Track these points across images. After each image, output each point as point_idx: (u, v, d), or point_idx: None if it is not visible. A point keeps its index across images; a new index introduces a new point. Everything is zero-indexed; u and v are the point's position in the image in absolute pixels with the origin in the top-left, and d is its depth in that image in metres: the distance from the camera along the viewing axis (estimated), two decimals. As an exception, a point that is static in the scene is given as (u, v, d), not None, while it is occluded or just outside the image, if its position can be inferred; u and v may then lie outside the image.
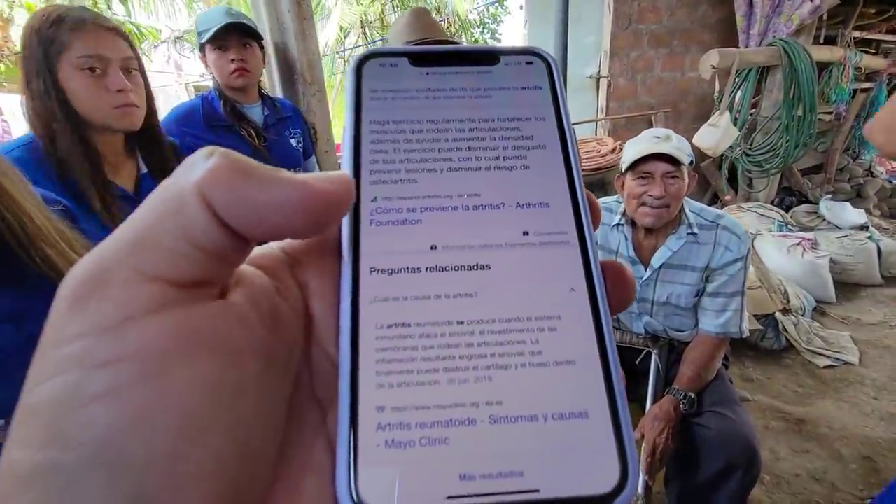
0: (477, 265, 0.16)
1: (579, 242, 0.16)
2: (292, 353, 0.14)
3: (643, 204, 1.19)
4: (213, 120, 1.36)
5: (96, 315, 0.11)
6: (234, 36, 1.34)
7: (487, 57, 0.19)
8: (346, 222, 0.16)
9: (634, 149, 1.21)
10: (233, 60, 1.34)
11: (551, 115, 0.19)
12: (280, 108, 1.52)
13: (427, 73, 0.19)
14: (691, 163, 1.19)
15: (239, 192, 0.12)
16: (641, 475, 1.14)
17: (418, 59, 0.19)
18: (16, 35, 4.99)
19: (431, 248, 0.16)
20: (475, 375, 0.14)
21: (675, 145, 1.17)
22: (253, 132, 1.38)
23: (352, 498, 0.13)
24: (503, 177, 0.17)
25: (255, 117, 1.43)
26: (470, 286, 0.15)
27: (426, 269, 0.16)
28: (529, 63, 0.19)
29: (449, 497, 0.13)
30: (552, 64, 0.19)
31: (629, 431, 0.14)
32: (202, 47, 1.35)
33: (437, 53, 0.19)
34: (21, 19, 4.97)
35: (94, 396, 0.10)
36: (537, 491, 0.13)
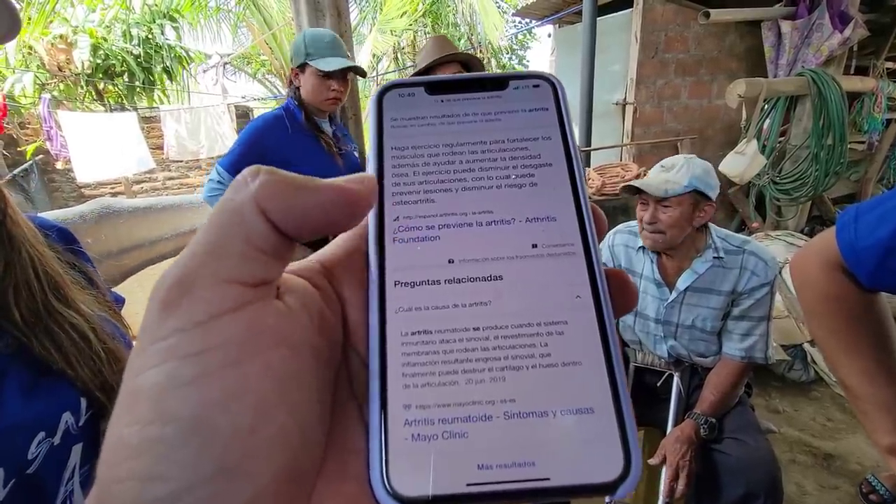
0: (491, 276, 0.17)
1: (584, 253, 0.17)
2: (334, 352, 0.16)
3: (643, 228, 1.27)
4: (296, 127, 1.50)
5: (187, 314, 0.13)
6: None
7: (497, 83, 0.20)
8: (372, 240, 0.17)
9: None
10: (333, 90, 1.48)
11: (557, 134, 0.19)
12: (339, 126, 1.68)
13: (441, 101, 0.20)
14: (699, 191, 1.20)
15: (287, 200, 0.14)
16: (662, 497, 1.14)
17: (433, 87, 0.20)
18: (77, 58, 5.25)
19: (449, 261, 0.17)
20: (490, 376, 0.15)
21: (670, 177, 1.20)
22: (330, 141, 1.54)
23: (384, 485, 0.14)
24: (513, 194, 0.18)
25: (327, 130, 1.59)
26: (485, 295, 0.17)
27: (445, 281, 0.17)
28: (536, 86, 0.20)
29: (469, 484, 0.14)
30: (557, 86, 0.20)
31: (632, 425, 0.15)
32: (302, 66, 1.46)
33: (450, 82, 0.20)
34: (84, 44, 5.11)
35: (188, 380, 0.12)
36: (548, 479, 0.14)
